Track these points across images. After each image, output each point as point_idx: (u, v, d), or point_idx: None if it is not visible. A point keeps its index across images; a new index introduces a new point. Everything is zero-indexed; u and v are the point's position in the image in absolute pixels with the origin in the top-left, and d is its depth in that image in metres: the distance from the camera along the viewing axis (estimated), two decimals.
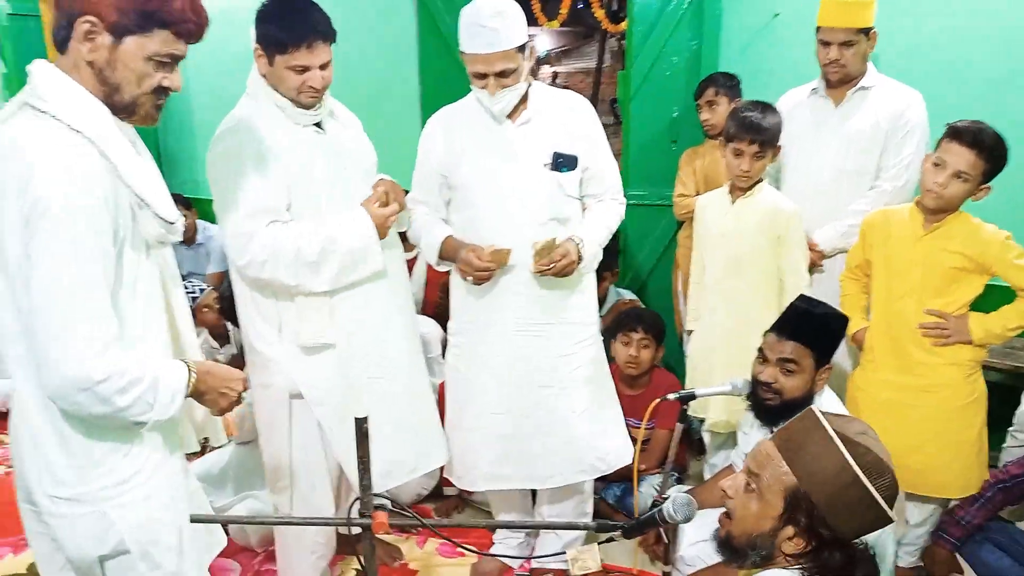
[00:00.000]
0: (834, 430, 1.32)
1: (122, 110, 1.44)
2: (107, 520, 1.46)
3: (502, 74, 2.15)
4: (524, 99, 2.27)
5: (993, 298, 2.35)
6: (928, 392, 2.35)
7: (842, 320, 2.18)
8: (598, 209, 2.41)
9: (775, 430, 1.52)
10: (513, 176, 2.27)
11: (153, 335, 1.54)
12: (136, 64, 1.39)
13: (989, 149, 2.18)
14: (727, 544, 1.41)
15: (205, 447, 2.16)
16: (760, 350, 2.13)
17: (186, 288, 3.13)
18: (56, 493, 1.45)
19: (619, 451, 2.50)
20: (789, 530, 1.32)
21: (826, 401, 2.11)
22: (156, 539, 1.52)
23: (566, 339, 2.39)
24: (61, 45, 1.41)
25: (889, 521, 1.33)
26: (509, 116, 2.27)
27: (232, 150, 2.06)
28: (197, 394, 1.56)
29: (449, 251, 2.34)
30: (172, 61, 1.44)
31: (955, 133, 2.21)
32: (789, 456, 1.34)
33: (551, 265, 2.21)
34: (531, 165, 2.27)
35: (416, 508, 3.04)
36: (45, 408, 1.41)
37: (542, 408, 2.39)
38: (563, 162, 2.27)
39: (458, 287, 2.44)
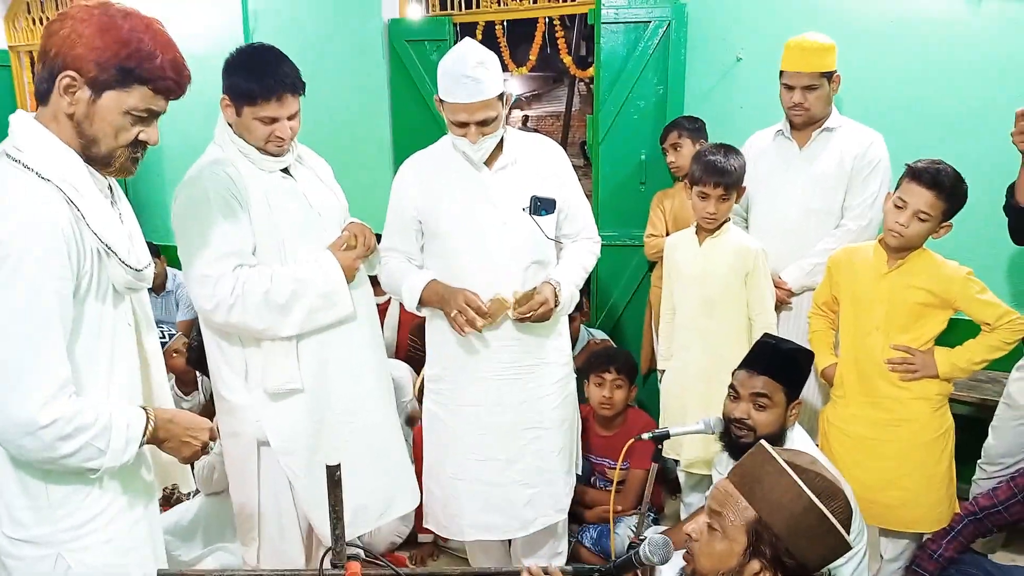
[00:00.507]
0: (785, 460, 1.37)
1: (98, 162, 1.46)
2: (63, 563, 1.46)
3: (483, 122, 2.16)
4: (500, 145, 2.29)
5: (958, 333, 2.40)
6: (897, 426, 2.37)
7: (808, 356, 2.21)
8: (573, 249, 2.42)
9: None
10: (493, 221, 2.27)
11: (119, 381, 1.54)
12: (113, 118, 1.42)
13: (949, 189, 2.23)
14: None
15: (172, 496, 2.13)
16: (731, 387, 2.14)
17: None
18: (13, 534, 1.45)
19: (572, 487, 2.55)
20: (755, 564, 1.35)
21: (798, 437, 2.13)
22: None
23: (544, 379, 2.39)
24: (43, 97, 1.44)
25: (847, 547, 1.36)
26: (486, 162, 2.28)
27: (197, 195, 2.05)
28: (157, 441, 1.55)
29: (434, 295, 2.30)
30: (150, 116, 1.47)
31: (914, 174, 2.26)
32: (746, 491, 1.38)
33: (530, 312, 2.21)
34: (510, 210, 2.27)
35: (390, 556, 2.99)
36: (4, 450, 1.42)
37: (526, 453, 2.38)
38: (541, 205, 2.28)
39: (436, 332, 2.42)
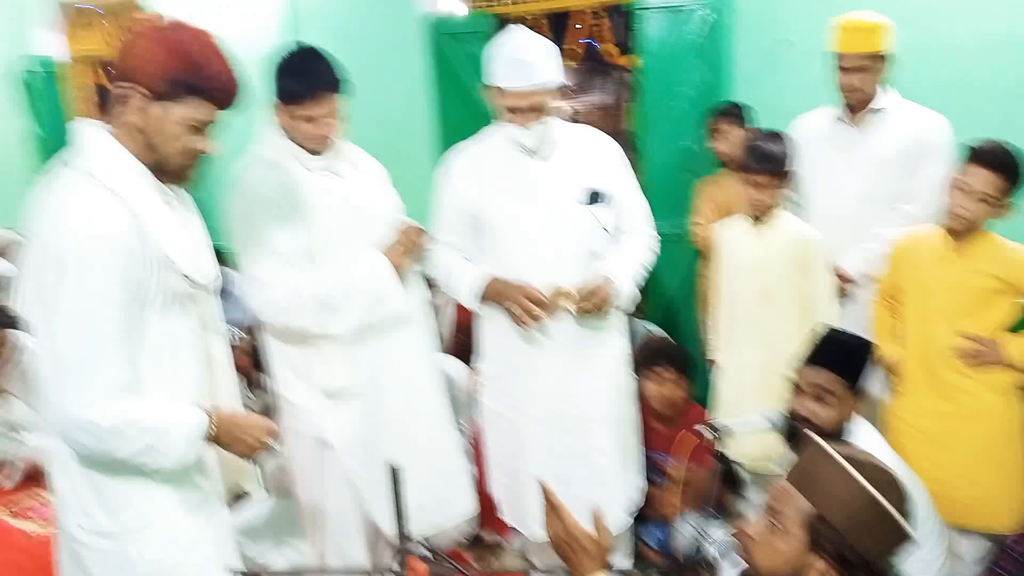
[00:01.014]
0: (839, 453, 1.37)
1: (158, 170, 1.56)
2: (128, 558, 1.57)
3: (537, 108, 2.16)
4: (551, 135, 2.28)
5: None
6: (969, 419, 2.30)
7: (870, 347, 2.15)
8: (629, 244, 2.40)
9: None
10: (547, 214, 2.26)
11: (185, 385, 1.62)
12: (171, 128, 1.52)
13: (1012, 169, 2.17)
14: None
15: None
16: (794, 383, 2.11)
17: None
18: (85, 525, 1.57)
19: (640, 491, 2.54)
20: (820, 563, 1.34)
21: (862, 431, 2.08)
22: None
23: (601, 373, 2.39)
24: (110, 109, 1.54)
25: (907, 536, 1.34)
26: (538, 153, 2.27)
27: (247, 196, 2.10)
28: (219, 442, 1.63)
29: (494, 291, 2.30)
30: (206, 126, 1.56)
31: (977, 156, 2.20)
32: (803, 487, 1.37)
33: (591, 306, 2.21)
34: (563, 201, 2.27)
35: (454, 555, 3.02)
36: (74, 452, 1.53)
37: (591, 448, 2.36)
38: (597, 196, 2.28)
39: (490, 328, 2.42)
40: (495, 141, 2.34)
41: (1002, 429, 2.30)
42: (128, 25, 1.60)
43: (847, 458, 1.36)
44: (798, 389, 2.08)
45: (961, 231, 2.27)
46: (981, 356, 2.27)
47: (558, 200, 2.27)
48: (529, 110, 2.15)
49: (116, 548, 1.57)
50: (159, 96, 1.49)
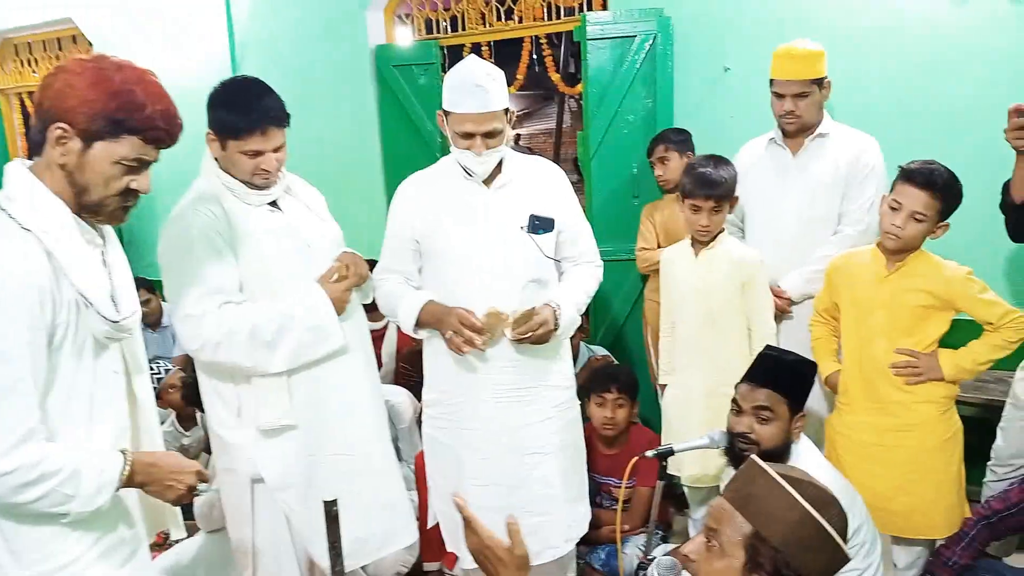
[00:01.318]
0: (777, 473, 1.37)
1: (89, 210, 1.49)
2: None
3: (490, 134, 2.15)
4: (499, 165, 2.27)
5: (961, 334, 2.37)
6: (905, 431, 2.34)
7: (812, 367, 2.18)
8: (575, 273, 2.40)
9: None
10: (491, 240, 2.25)
11: (103, 428, 1.53)
12: (104, 168, 1.45)
13: (943, 188, 2.21)
14: None
15: (165, 542, 2.08)
16: (734, 401, 2.11)
17: (152, 370, 3.07)
18: None
19: (584, 518, 2.49)
20: None
21: (804, 450, 2.09)
22: None
23: (546, 403, 2.35)
24: (36, 148, 1.47)
25: (846, 557, 1.35)
26: (485, 181, 2.26)
27: (180, 234, 2.04)
28: (136, 484, 1.55)
29: (430, 316, 2.26)
30: (141, 165, 1.50)
31: (908, 175, 2.25)
32: (741, 505, 1.37)
33: (529, 333, 2.18)
34: (508, 228, 2.26)
35: None
36: None
37: (529, 480, 2.32)
38: (540, 224, 2.27)
39: (433, 354, 2.38)
40: (444, 168, 2.35)
41: (938, 440, 2.34)
42: (59, 63, 1.51)
43: (785, 477, 1.36)
44: (738, 407, 2.08)
45: (895, 249, 2.31)
46: (918, 371, 2.31)
47: (501, 227, 2.26)
48: (483, 135, 2.15)
49: None
50: (92, 135, 1.43)
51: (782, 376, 2.06)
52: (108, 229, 1.62)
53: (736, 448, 2.07)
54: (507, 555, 1.38)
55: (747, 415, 2.05)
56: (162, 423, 2.45)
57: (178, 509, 1.79)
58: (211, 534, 2.79)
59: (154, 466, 1.57)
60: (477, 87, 2.10)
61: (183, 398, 3.18)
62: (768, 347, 2.22)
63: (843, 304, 2.47)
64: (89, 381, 1.51)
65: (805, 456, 2.07)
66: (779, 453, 2.03)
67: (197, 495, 1.65)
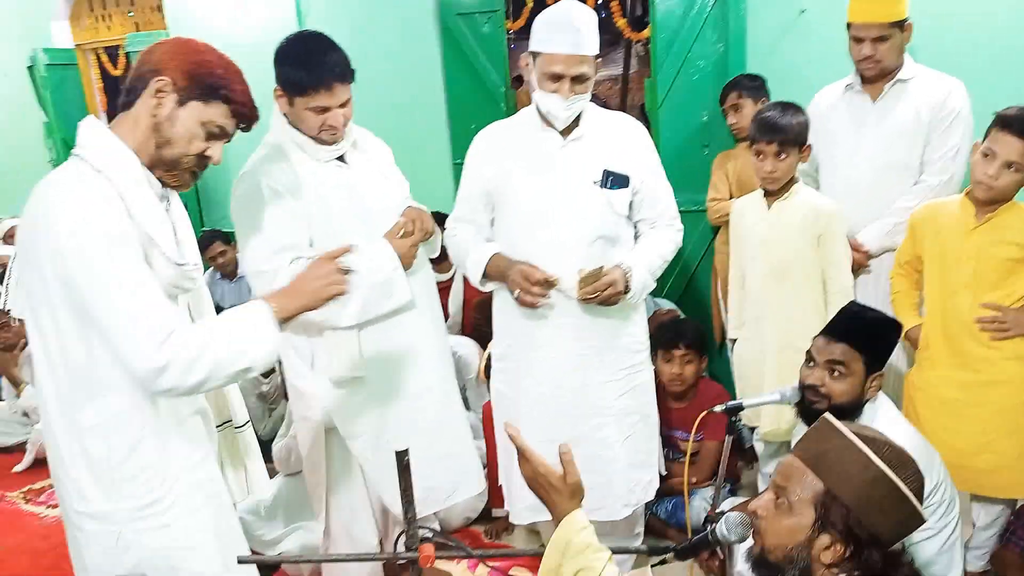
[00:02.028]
0: (851, 431, 1.35)
1: (164, 165, 1.58)
2: (123, 541, 1.56)
3: (578, 79, 2.10)
4: (577, 117, 2.22)
5: None
6: (989, 388, 2.26)
7: (895, 327, 2.10)
8: (651, 236, 2.33)
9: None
10: (561, 193, 2.21)
11: None
12: (191, 126, 1.55)
13: None
14: (763, 561, 1.41)
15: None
16: (808, 353, 2.07)
17: None
18: (80, 508, 1.57)
19: (649, 486, 2.44)
20: (825, 538, 1.33)
21: (881, 409, 2.04)
22: (175, 567, 1.60)
23: (613, 365, 2.31)
24: (128, 103, 1.56)
25: (921, 518, 1.33)
26: (562, 132, 2.22)
27: (252, 190, 2.07)
28: (302, 312, 1.64)
29: (495, 269, 2.26)
30: (221, 134, 1.60)
31: (1004, 122, 2.13)
32: (813, 463, 1.36)
33: (596, 294, 2.14)
34: (580, 182, 2.21)
35: (465, 531, 3.02)
36: (71, 432, 1.54)
37: (589, 440, 2.30)
38: (614, 180, 2.21)
39: (502, 309, 2.38)
40: (521, 119, 2.31)
41: (1022, 397, 2.25)
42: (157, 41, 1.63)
43: (859, 436, 1.34)
44: (811, 360, 2.04)
45: (986, 200, 2.20)
46: (1004, 326, 2.22)
47: (573, 180, 2.21)
48: (572, 79, 2.09)
49: (112, 532, 1.56)
50: (189, 93, 1.53)
51: (862, 332, 2.00)
52: (175, 196, 1.70)
53: (806, 401, 2.03)
54: (560, 483, 1.41)
55: (820, 368, 2.01)
56: None
57: (239, 398, 1.95)
58: (289, 477, 2.91)
59: (297, 286, 1.66)
60: (572, 27, 2.05)
61: None
62: (853, 303, 2.14)
63: (927, 256, 2.37)
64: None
65: (882, 415, 2.01)
66: (850, 410, 1.97)
67: (270, 400, 1.73)
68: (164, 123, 1.54)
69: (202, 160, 1.60)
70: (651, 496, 2.46)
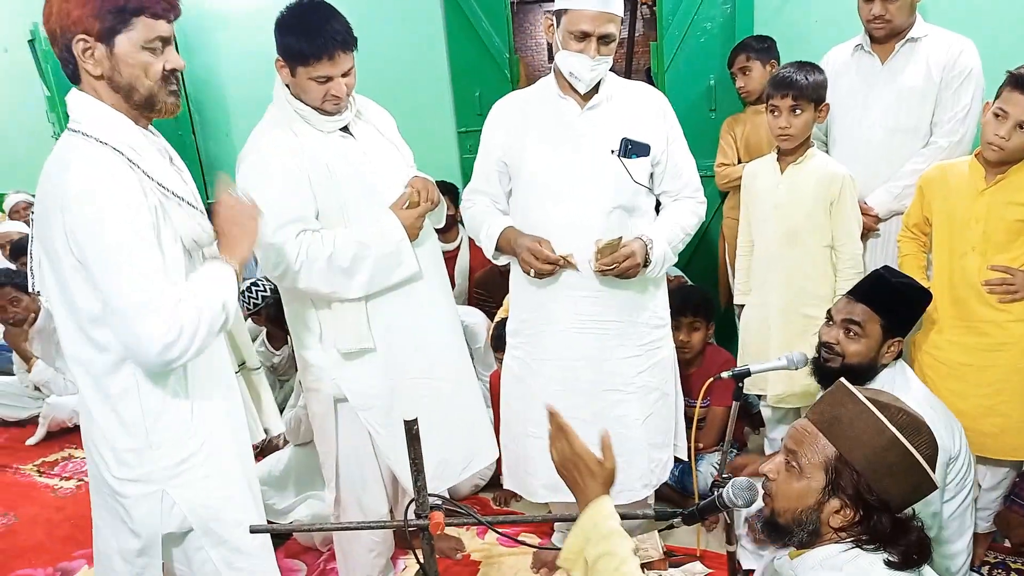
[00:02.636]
0: (866, 397, 1.35)
1: (144, 107, 1.55)
2: (168, 500, 1.61)
3: (605, 39, 2.05)
4: (597, 84, 2.17)
5: None
6: (997, 351, 2.25)
7: (922, 295, 2.08)
8: (673, 209, 2.27)
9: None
10: (578, 163, 2.16)
11: None
12: (135, 58, 1.50)
13: None
14: (772, 523, 1.43)
15: (269, 445, 2.19)
16: (828, 312, 2.08)
17: (258, 287, 3.22)
18: (120, 475, 1.60)
19: (665, 466, 2.42)
20: (835, 503, 1.35)
21: (899, 375, 2.03)
22: (217, 516, 1.66)
23: (632, 340, 2.26)
24: (73, 76, 1.54)
25: (933, 485, 1.33)
26: (582, 99, 2.17)
27: (257, 163, 2.06)
28: (240, 257, 1.67)
29: (507, 243, 2.22)
30: (163, 43, 1.54)
31: (1016, 81, 2.09)
32: (826, 427, 1.37)
33: (613, 265, 2.09)
34: (598, 151, 2.16)
35: (474, 499, 3.05)
36: (104, 401, 1.57)
37: (607, 418, 2.25)
38: (632, 149, 2.15)
39: (518, 282, 2.34)
40: (539, 88, 2.26)
41: None
42: None
43: (873, 401, 1.34)
44: (830, 318, 2.04)
45: (996, 161, 2.17)
46: (1013, 288, 2.20)
47: (591, 148, 2.16)
48: (599, 39, 2.04)
49: (155, 492, 1.60)
50: (108, 32, 1.48)
51: (884, 296, 1.99)
52: (175, 153, 1.70)
53: (821, 358, 2.04)
54: (597, 467, 1.36)
55: (837, 326, 2.02)
56: (253, 340, 2.55)
57: (275, 405, 1.96)
58: (299, 447, 2.94)
59: (230, 239, 1.67)
60: None
61: (267, 318, 3.29)
62: (884, 267, 2.13)
63: (935, 218, 2.35)
64: (182, 281, 1.59)
65: (900, 381, 2.01)
66: (862, 371, 1.98)
67: (280, 372, 1.77)
68: (113, 75, 1.51)
69: (168, 78, 1.56)
70: (667, 476, 2.43)
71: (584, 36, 2.04)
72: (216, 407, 1.69)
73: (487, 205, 2.33)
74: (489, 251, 2.29)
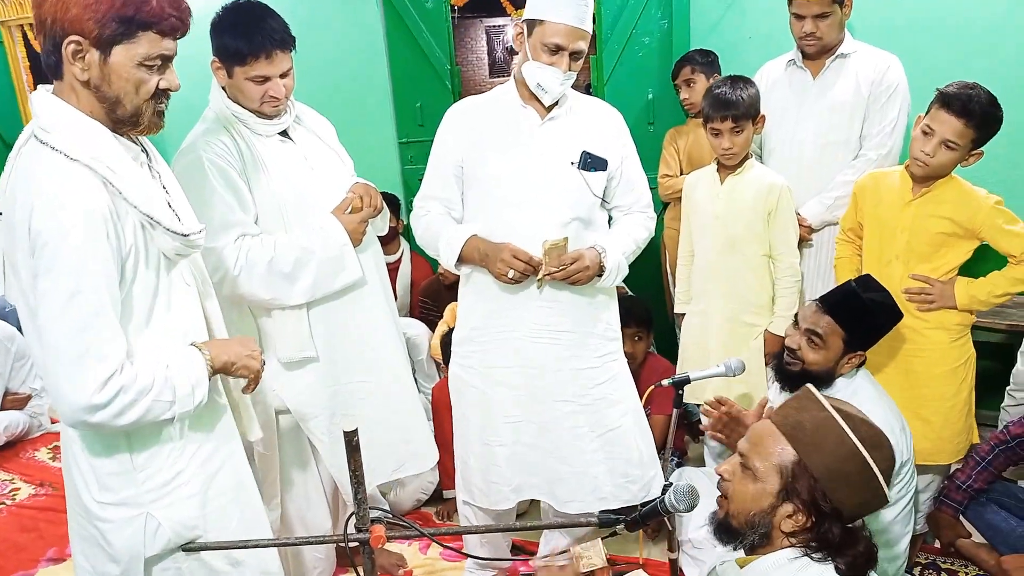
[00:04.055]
0: (831, 406, 1.36)
1: (126, 123, 1.44)
2: (153, 522, 1.52)
3: (575, 55, 2.04)
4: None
5: (988, 264, 2.33)
6: (915, 356, 2.33)
7: (893, 313, 2.11)
8: (625, 222, 2.27)
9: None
10: (537, 173, 2.13)
11: (183, 339, 1.56)
12: (129, 73, 1.39)
13: (979, 117, 2.12)
14: (725, 525, 1.43)
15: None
16: (796, 314, 2.13)
17: None
18: (102, 499, 1.51)
19: (650, 482, 2.29)
20: (788, 507, 1.35)
21: (859, 384, 2.08)
22: (207, 535, 1.58)
23: (588, 352, 2.22)
24: (54, 70, 1.40)
25: (885, 500, 1.35)
26: (544, 109, 2.15)
27: (193, 166, 2.00)
28: (225, 369, 1.59)
29: (474, 251, 2.13)
30: (164, 62, 1.43)
31: (944, 100, 2.16)
32: (788, 431, 1.36)
33: (560, 267, 2.07)
34: (557, 162, 2.14)
35: (416, 513, 3.01)
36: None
37: (559, 427, 2.21)
38: (592, 162, 2.14)
39: (470, 292, 2.26)
40: (497, 95, 2.23)
41: (948, 367, 2.33)
42: None
43: (839, 411, 1.35)
44: (796, 323, 2.10)
45: (922, 177, 2.25)
46: (930, 298, 2.29)
47: (550, 159, 2.14)
48: (570, 53, 2.02)
49: (139, 515, 1.51)
50: (108, 41, 1.36)
51: (853, 311, 2.03)
52: (150, 144, 1.58)
53: (782, 360, 2.10)
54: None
55: (800, 333, 2.07)
56: None
57: (252, 412, 1.85)
58: None
59: (226, 346, 1.61)
60: (579, 1, 1.98)
61: None
62: (864, 277, 2.16)
63: (866, 225, 2.43)
64: (166, 296, 1.52)
65: (861, 392, 2.05)
66: (821, 380, 2.03)
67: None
68: (101, 85, 1.39)
69: (160, 96, 1.45)
70: (655, 494, 2.25)
71: (557, 50, 2.03)
72: (205, 416, 1.60)
73: (441, 213, 2.25)
74: (450, 261, 2.19)
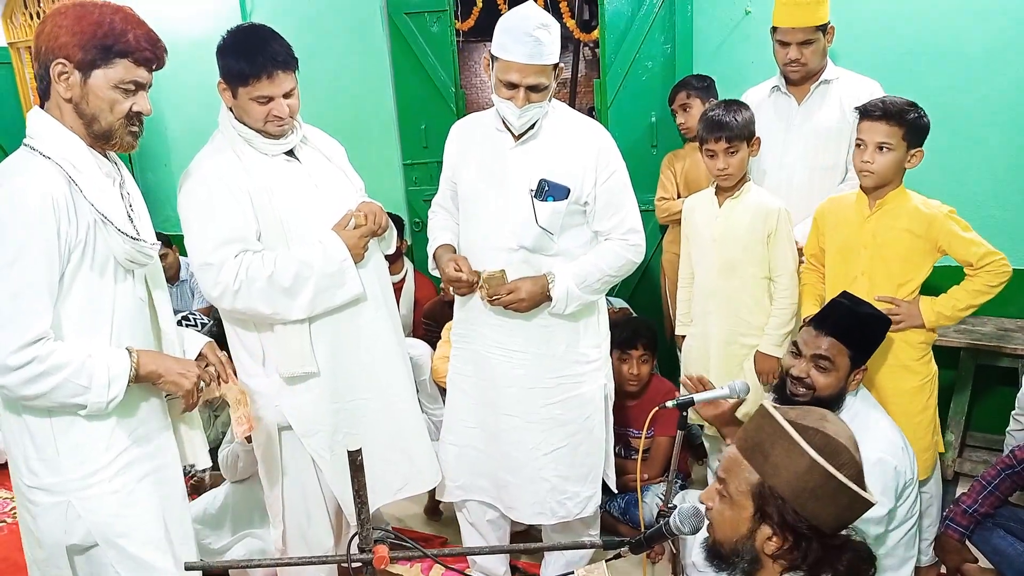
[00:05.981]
0: (787, 420, 1.33)
1: (101, 138, 1.63)
2: (73, 511, 1.62)
3: (533, 88, 2.07)
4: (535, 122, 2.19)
5: (947, 281, 2.35)
6: (884, 375, 2.35)
7: (884, 323, 2.13)
8: (599, 248, 2.25)
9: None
10: (499, 196, 2.20)
11: (118, 343, 1.65)
12: (105, 93, 1.60)
13: (898, 115, 2.20)
14: (715, 552, 1.42)
15: (195, 478, 2.13)
16: (794, 343, 2.10)
17: (189, 322, 3.15)
18: (29, 482, 1.63)
19: (587, 501, 2.38)
20: (766, 530, 1.33)
21: (866, 402, 2.08)
22: (127, 533, 1.66)
23: (544, 372, 2.26)
24: (45, 92, 1.62)
25: (866, 503, 1.32)
26: (516, 136, 2.18)
27: (199, 183, 2.04)
28: (150, 378, 1.66)
29: (437, 259, 2.33)
30: (138, 88, 1.63)
31: (863, 112, 2.27)
32: (749, 454, 1.35)
33: (495, 297, 2.16)
34: (519, 188, 2.17)
35: (419, 533, 2.99)
36: (13, 408, 1.61)
37: (503, 440, 2.33)
38: (548, 191, 2.14)
39: (457, 300, 2.41)
40: (488, 114, 2.29)
41: (913, 384, 2.35)
42: (47, 11, 1.74)
43: (794, 424, 1.32)
44: (797, 350, 2.06)
45: (873, 186, 2.29)
46: (898, 318, 2.29)
47: (514, 185, 2.18)
48: (527, 88, 2.06)
49: (61, 503, 1.62)
50: (88, 65, 1.56)
51: (851, 327, 2.03)
52: (126, 172, 1.75)
53: (787, 391, 2.06)
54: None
55: (806, 360, 2.03)
56: None
57: (202, 439, 1.92)
58: (236, 484, 2.84)
59: (160, 358, 1.69)
60: (529, 36, 2.00)
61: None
62: (844, 294, 2.16)
63: (828, 247, 2.46)
64: (110, 300, 1.63)
65: (862, 409, 2.06)
66: (831, 402, 2.00)
67: (208, 400, 1.80)
68: (80, 103, 1.59)
69: (133, 118, 1.64)
70: (590, 512, 2.41)
71: (512, 86, 2.07)
72: (135, 422, 1.70)
73: (444, 219, 2.42)
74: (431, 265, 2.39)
